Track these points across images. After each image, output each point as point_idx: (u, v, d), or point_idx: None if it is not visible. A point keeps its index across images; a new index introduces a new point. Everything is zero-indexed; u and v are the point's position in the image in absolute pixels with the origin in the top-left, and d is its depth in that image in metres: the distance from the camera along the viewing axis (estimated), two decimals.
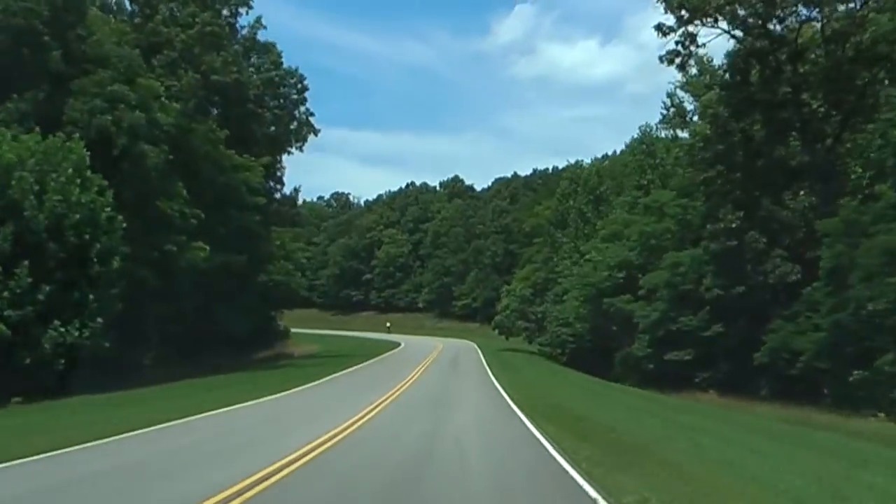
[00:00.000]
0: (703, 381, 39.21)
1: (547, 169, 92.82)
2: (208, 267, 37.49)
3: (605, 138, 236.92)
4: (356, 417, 15.50)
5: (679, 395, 36.91)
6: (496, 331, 71.87)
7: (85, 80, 29.32)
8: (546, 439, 12.72)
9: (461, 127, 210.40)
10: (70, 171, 25.37)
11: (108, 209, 26.58)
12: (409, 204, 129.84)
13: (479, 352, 57.03)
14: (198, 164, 38.62)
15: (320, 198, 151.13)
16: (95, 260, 25.42)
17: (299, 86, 48.67)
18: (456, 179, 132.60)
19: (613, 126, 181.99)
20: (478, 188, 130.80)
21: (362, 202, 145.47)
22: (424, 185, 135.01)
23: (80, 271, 25.21)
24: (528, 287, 65.55)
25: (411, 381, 28.08)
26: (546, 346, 57.51)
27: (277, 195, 55.75)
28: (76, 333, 24.53)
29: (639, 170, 51.85)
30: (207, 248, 33.76)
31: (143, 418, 14.90)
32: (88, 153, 26.26)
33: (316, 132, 50.24)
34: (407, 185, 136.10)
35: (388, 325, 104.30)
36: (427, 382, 28.24)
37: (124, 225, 26.85)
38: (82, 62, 30.93)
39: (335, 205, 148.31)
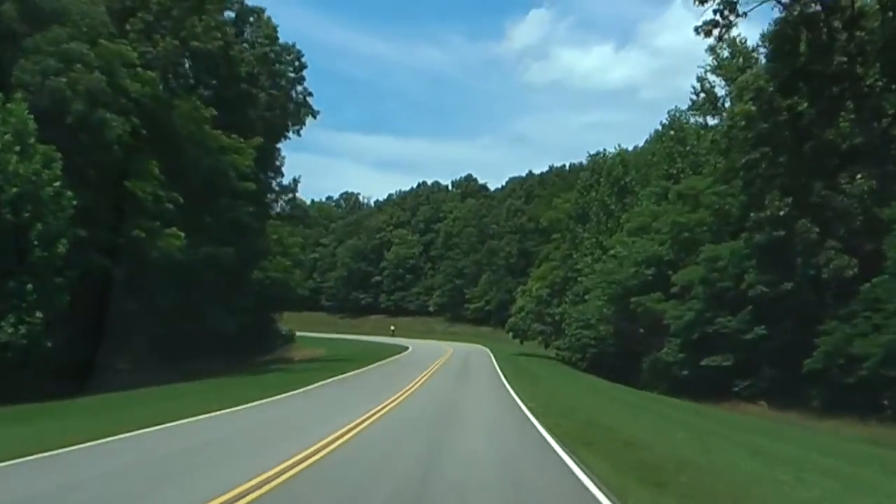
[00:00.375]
0: (743, 389, 34.84)
1: (564, 165, 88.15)
2: (190, 260, 33.54)
3: (620, 144, 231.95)
4: (319, 445, 11.28)
5: (719, 406, 32.60)
6: (510, 334, 67.35)
7: (38, 37, 25.35)
8: (600, 488, 8.41)
9: (475, 132, 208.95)
10: (7, 136, 21.41)
11: (57, 184, 22.59)
12: (420, 203, 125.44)
13: (492, 357, 52.84)
14: (180, 145, 34.65)
15: (329, 198, 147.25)
16: (36, 243, 21.40)
17: (296, 63, 44.61)
18: (469, 178, 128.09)
19: (628, 132, 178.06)
20: (491, 188, 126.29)
21: (372, 202, 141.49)
22: (436, 184, 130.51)
23: (18, 256, 21.22)
24: (544, 287, 60.98)
25: (412, 390, 23.87)
26: (564, 351, 53.04)
27: (275, 186, 51.77)
28: (10, 330, 20.54)
29: (668, 158, 47.40)
30: (182, 234, 29.61)
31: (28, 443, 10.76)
32: (33, 117, 22.32)
33: (315, 114, 46.16)
34: (418, 185, 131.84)
35: (392, 328, 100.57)
36: (430, 392, 23.99)
37: (75, 202, 22.82)
38: (41, 20, 26.98)
39: (344, 205, 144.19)
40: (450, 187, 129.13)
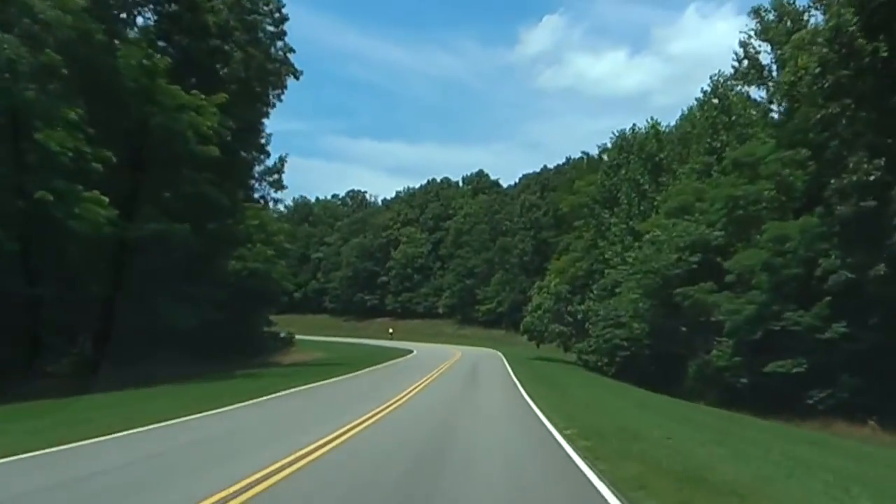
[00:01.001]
0: (819, 402, 27.95)
1: (584, 156, 78.80)
2: (134, 238, 27.29)
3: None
4: None
5: (801, 425, 25.78)
6: (526, 336, 60.20)
7: None
8: None
9: (488, 138, 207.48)
10: None
11: None
12: (429, 200, 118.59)
13: (505, 361, 46.26)
14: (124, 98, 28.37)
15: (335, 195, 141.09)
16: None
17: (276, 15, 38.12)
18: (481, 174, 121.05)
19: None
20: (504, 185, 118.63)
21: (380, 201, 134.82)
22: (446, 180, 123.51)
23: None
24: (564, 282, 53.99)
25: (398, 404, 17.33)
26: (589, 354, 46.16)
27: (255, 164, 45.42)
28: None
29: (710, 129, 40.56)
30: (106, 200, 23.13)
31: None
32: None
33: (297, 74, 39.57)
34: (428, 182, 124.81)
35: (390, 331, 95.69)
36: (423, 406, 17.42)
37: None
38: None
39: (351, 203, 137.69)
40: (460, 184, 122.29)
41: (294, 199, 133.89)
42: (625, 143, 50.49)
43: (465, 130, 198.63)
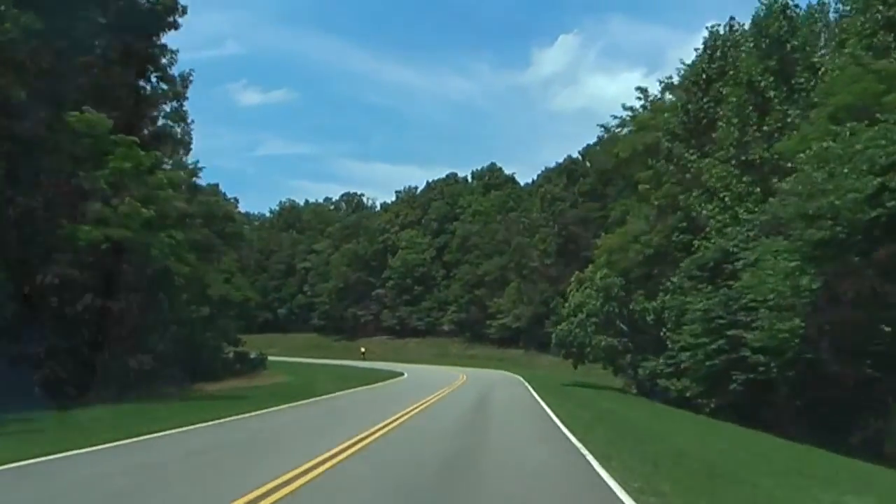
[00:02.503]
0: None
1: (640, 93, 54.29)
2: None
3: None
4: None
5: None
6: (562, 353, 41.70)
7: None
8: None
9: (502, 160, 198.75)
10: None
11: None
12: (432, 199, 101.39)
13: (532, 391, 29.76)
14: None
15: (327, 199, 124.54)
16: None
17: None
18: (493, 168, 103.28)
19: None
20: (521, 182, 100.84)
21: (378, 204, 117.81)
22: (452, 175, 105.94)
23: None
24: (616, 271, 36.10)
25: None
26: (669, 379, 28.71)
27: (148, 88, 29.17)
28: None
29: None
30: None
31: None
32: None
33: None
34: (433, 180, 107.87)
35: (362, 350, 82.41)
36: None
37: None
38: None
39: (345, 207, 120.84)
40: (469, 179, 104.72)
41: (280, 202, 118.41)
42: (719, 45, 32.37)
43: (479, 153, 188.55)
